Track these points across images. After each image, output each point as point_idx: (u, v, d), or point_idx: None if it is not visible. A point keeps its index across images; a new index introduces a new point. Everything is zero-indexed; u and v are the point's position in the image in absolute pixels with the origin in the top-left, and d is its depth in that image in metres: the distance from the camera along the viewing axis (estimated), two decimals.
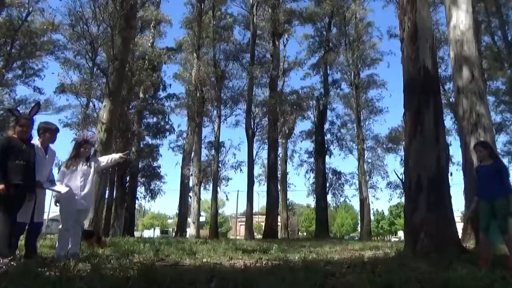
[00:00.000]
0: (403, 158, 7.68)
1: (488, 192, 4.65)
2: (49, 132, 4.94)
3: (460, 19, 10.04)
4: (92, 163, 5.38)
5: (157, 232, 53.40)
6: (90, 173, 5.29)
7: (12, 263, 3.93)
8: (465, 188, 9.96)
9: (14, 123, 4.67)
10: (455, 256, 4.82)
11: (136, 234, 33.58)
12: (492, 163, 4.82)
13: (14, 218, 4.42)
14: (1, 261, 4.02)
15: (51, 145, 5.10)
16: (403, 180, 8.02)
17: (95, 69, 22.88)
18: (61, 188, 5.01)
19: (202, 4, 25.98)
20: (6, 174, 4.35)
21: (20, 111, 4.95)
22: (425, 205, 5.89)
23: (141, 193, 26.81)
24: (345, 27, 29.38)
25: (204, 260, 5.10)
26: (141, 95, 25.09)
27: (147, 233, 52.99)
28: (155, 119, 27.18)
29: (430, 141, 6.16)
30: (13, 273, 2.97)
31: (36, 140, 4.85)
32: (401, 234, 54.85)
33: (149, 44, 25.96)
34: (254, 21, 26.24)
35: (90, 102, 24.46)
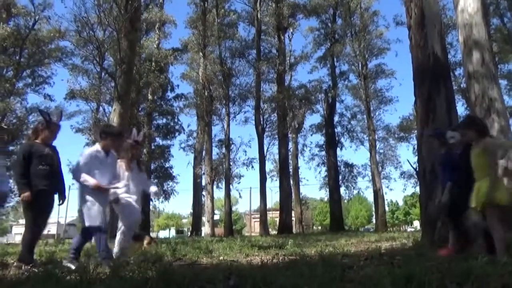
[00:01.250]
0: (416, 147, 7.58)
1: None
2: (111, 137, 4.78)
3: (468, 2, 9.83)
4: (144, 167, 5.19)
5: (173, 232, 53.90)
6: (143, 177, 5.14)
7: (33, 269, 3.97)
8: None
9: (43, 127, 4.58)
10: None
11: (152, 235, 33.89)
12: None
13: (38, 224, 4.44)
14: (23, 267, 4.08)
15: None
16: (417, 169, 7.92)
17: (103, 74, 23.08)
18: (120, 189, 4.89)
19: (206, 3, 25.98)
20: (30, 181, 4.33)
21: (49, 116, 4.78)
22: (441, 194, 5.80)
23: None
24: (350, 17, 29.11)
25: (221, 258, 5.12)
26: (149, 96, 25.27)
27: (163, 234, 53.51)
28: (164, 120, 27.36)
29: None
30: (34, 278, 3.02)
31: (97, 144, 4.76)
32: (417, 224, 54.40)
33: (155, 46, 26.09)
34: (258, 16, 26.15)
35: (100, 107, 24.74)
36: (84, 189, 4.45)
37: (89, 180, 4.40)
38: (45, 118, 4.65)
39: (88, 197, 4.40)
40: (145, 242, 6.80)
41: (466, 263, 3.31)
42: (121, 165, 4.99)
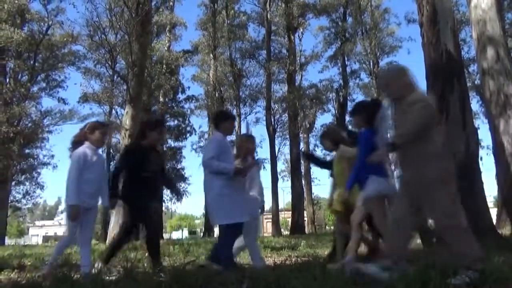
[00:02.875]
0: None
1: None
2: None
3: None
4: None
5: (185, 233, 54.20)
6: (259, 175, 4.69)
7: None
8: (497, 173, 9.64)
9: (154, 127, 4.34)
10: (492, 244, 4.66)
11: (165, 236, 34.15)
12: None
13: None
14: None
15: None
16: None
17: (115, 77, 23.36)
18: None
19: (215, 4, 26.07)
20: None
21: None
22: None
23: (167, 195, 27.26)
24: (361, 15, 28.85)
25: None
26: (161, 99, 25.47)
27: (176, 235, 53.84)
28: (176, 122, 27.54)
29: (457, 127, 5.98)
30: (50, 281, 3.06)
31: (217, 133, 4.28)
32: (430, 222, 53.58)
33: (166, 48, 26.28)
34: (268, 17, 26.14)
35: (113, 110, 25.04)
36: (219, 179, 3.88)
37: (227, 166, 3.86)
38: (153, 119, 4.53)
39: (225, 190, 3.85)
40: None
41: (484, 264, 3.25)
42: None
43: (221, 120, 4.18)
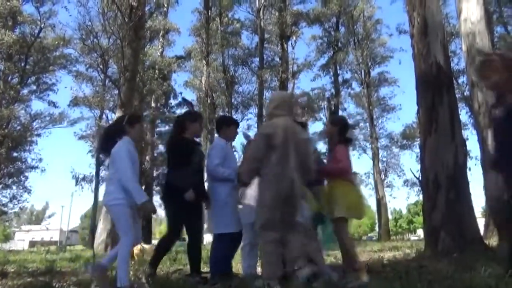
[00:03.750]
0: (419, 156, 7.53)
1: None
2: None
3: (471, 11, 9.84)
4: None
5: None
6: None
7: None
8: (485, 184, 9.73)
9: (195, 119, 4.13)
10: (479, 255, 4.68)
11: (154, 242, 33.75)
12: None
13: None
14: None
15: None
16: (420, 179, 7.85)
17: (107, 81, 23.21)
18: None
19: (209, 11, 26.13)
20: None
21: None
22: (444, 204, 5.75)
23: (157, 201, 26.99)
24: (353, 26, 29.16)
25: None
26: (152, 104, 25.34)
27: None
28: (167, 127, 27.40)
29: (446, 138, 6.02)
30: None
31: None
32: (420, 232, 53.90)
33: (159, 54, 26.22)
34: (261, 25, 26.26)
35: (104, 114, 24.84)
36: (224, 187, 3.89)
37: None
38: (192, 111, 4.28)
39: (229, 199, 3.88)
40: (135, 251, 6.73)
41: (469, 274, 3.25)
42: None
43: (224, 125, 4.16)
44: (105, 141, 3.54)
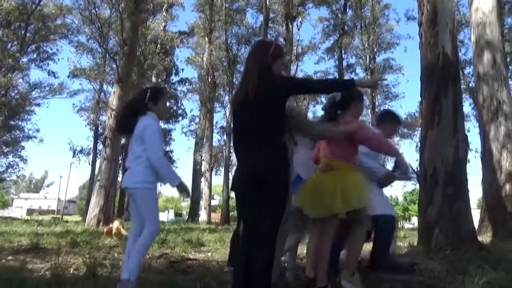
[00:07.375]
0: (419, 149, 7.36)
1: None
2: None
3: (483, 1, 9.52)
4: None
5: (171, 215, 54.11)
6: None
7: None
8: (484, 178, 9.62)
9: None
10: (472, 254, 4.58)
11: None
12: None
13: None
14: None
15: None
16: (418, 173, 7.70)
17: (107, 54, 22.82)
18: None
19: None
20: None
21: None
22: (441, 199, 5.61)
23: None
24: (361, 9, 28.49)
25: (209, 254, 4.97)
26: (153, 79, 25.01)
27: (162, 216, 53.70)
28: (168, 104, 27.12)
29: (448, 132, 5.83)
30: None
31: None
32: (415, 220, 54.36)
33: (161, 28, 25.70)
34: (267, 3, 25.65)
35: (103, 87, 24.57)
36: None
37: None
38: None
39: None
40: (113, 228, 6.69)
41: (461, 277, 3.16)
42: None
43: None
44: (126, 118, 3.09)
